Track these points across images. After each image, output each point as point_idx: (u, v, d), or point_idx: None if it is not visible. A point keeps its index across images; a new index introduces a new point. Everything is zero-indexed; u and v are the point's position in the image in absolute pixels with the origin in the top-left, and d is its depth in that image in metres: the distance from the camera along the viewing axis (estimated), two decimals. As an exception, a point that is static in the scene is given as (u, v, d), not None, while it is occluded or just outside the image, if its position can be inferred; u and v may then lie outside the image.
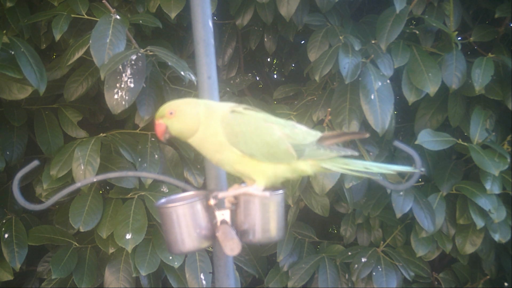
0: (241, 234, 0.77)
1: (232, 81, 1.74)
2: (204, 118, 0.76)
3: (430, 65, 1.40)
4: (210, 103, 0.79)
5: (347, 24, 1.58)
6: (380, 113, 1.34)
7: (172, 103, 0.78)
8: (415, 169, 0.79)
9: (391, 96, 1.36)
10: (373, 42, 1.47)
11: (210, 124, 0.76)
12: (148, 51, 1.29)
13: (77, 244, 1.48)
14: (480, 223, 1.43)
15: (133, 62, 1.26)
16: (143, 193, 1.41)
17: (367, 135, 0.80)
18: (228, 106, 0.78)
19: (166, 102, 0.79)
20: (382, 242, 1.61)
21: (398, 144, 0.82)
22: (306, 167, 0.79)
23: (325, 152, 0.78)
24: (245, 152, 0.75)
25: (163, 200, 0.82)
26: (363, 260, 1.52)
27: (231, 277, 0.82)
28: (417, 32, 1.54)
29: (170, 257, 1.36)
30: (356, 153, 0.80)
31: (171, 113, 0.77)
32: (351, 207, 1.55)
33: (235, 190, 0.79)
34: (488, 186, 1.42)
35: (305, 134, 0.79)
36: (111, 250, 1.40)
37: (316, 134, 0.80)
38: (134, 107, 1.34)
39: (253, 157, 0.76)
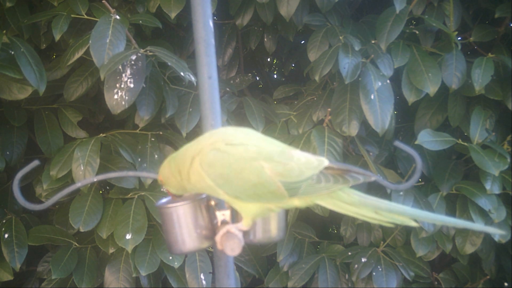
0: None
1: (232, 81, 1.74)
2: (177, 172, 0.71)
3: (430, 65, 1.40)
4: (186, 147, 0.72)
5: (347, 24, 1.58)
6: (380, 113, 1.34)
7: (159, 171, 0.75)
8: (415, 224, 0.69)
9: (391, 96, 1.36)
10: (373, 42, 1.47)
11: (192, 172, 0.69)
12: (148, 51, 1.29)
13: (77, 244, 1.48)
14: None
15: (133, 62, 1.26)
16: (143, 193, 1.41)
17: (373, 179, 0.70)
18: (210, 141, 0.69)
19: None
20: (382, 242, 1.61)
21: (398, 144, 0.81)
22: (300, 203, 0.71)
23: (327, 186, 0.68)
24: (230, 194, 0.69)
25: (163, 200, 0.81)
26: (363, 260, 1.52)
27: (231, 277, 0.82)
28: (417, 32, 1.54)
29: (170, 257, 1.36)
30: (371, 178, 0.70)
31: (161, 181, 0.75)
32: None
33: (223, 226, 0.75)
34: (488, 186, 1.42)
35: (303, 167, 0.68)
36: (111, 250, 1.40)
37: (319, 165, 0.69)
38: (134, 107, 1.34)
39: (238, 199, 0.70)
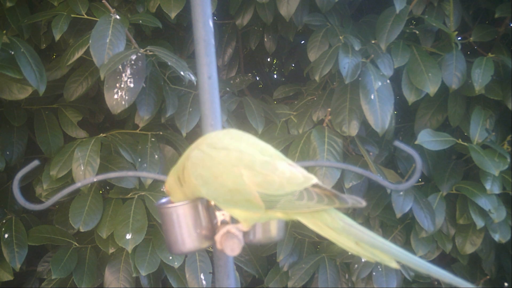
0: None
1: (232, 81, 1.74)
2: (179, 180, 0.72)
3: (430, 65, 1.40)
4: (182, 157, 0.73)
5: (347, 24, 1.58)
6: (380, 113, 1.34)
7: (166, 181, 0.76)
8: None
9: (391, 96, 1.36)
10: (373, 42, 1.47)
11: (185, 173, 0.71)
12: (148, 51, 1.29)
13: (77, 244, 1.48)
14: (480, 223, 1.43)
15: (133, 62, 1.26)
16: (143, 193, 1.41)
17: (364, 205, 0.66)
18: (197, 143, 0.71)
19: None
20: (382, 242, 1.61)
21: (398, 144, 0.81)
22: (283, 215, 0.68)
23: (308, 204, 0.65)
24: (209, 196, 0.70)
25: (163, 200, 0.81)
26: (363, 260, 1.52)
27: (231, 277, 0.82)
28: (417, 32, 1.54)
29: (170, 257, 1.36)
30: (363, 203, 0.65)
31: (167, 191, 0.77)
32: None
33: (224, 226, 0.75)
34: (488, 186, 1.42)
35: (285, 181, 0.65)
36: (111, 250, 1.40)
37: (304, 182, 0.66)
38: (134, 107, 1.34)
39: (217, 202, 0.70)
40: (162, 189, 1.43)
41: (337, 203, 0.65)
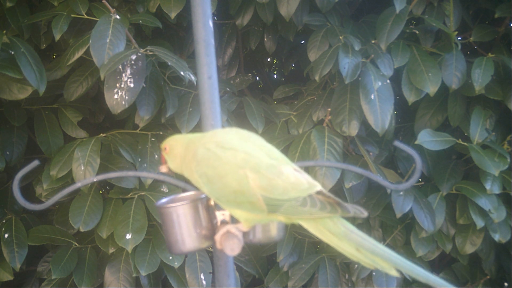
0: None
1: (232, 81, 1.74)
2: (184, 156, 0.72)
3: (430, 65, 1.40)
4: (196, 136, 0.73)
5: (347, 24, 1.58)
6: (380, 113, 1.34)
7: (167, 140, 0.76)
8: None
9: (391, 96, 1.36)
10: (373, 42, 1.47)
11: (188, 163, 0.71)
12: (148, 51, 1.29)
13: (77, 244, 1.48)
14: (480, 223, 1.43)
15: (133, 62, 1.26)
16: (143, 193, 1.41)
17: (365, 215, 0.67)
18: (207, 139, 0.70)
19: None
20: (382, 242, 1.61)
21: (398, 144, 0.81)
22: (285, 219, 0.69)
23: (311, 211, 0.65)
24: (212, 195, 0.70)
25: (163, 200, 0.81)
26: (363, 260, 1.52)
27: (231, 277, 0.82)
28: (417, 32, 1.54)
29: (170, 257, 1.36)
30: (364, 214, 0.66)
31: (165, 149, 0.76)
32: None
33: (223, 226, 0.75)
34: (488, 186, 1.42)
35: (290, 187, 0.65)
36: (111, 250, 1.40)
37: (308, 188, 0.66)
38: (134, 107, 1.34)
39: (220, 202, 0.70)
40: (162, 189, 1.43)
41: (340, 212, 0.66)
